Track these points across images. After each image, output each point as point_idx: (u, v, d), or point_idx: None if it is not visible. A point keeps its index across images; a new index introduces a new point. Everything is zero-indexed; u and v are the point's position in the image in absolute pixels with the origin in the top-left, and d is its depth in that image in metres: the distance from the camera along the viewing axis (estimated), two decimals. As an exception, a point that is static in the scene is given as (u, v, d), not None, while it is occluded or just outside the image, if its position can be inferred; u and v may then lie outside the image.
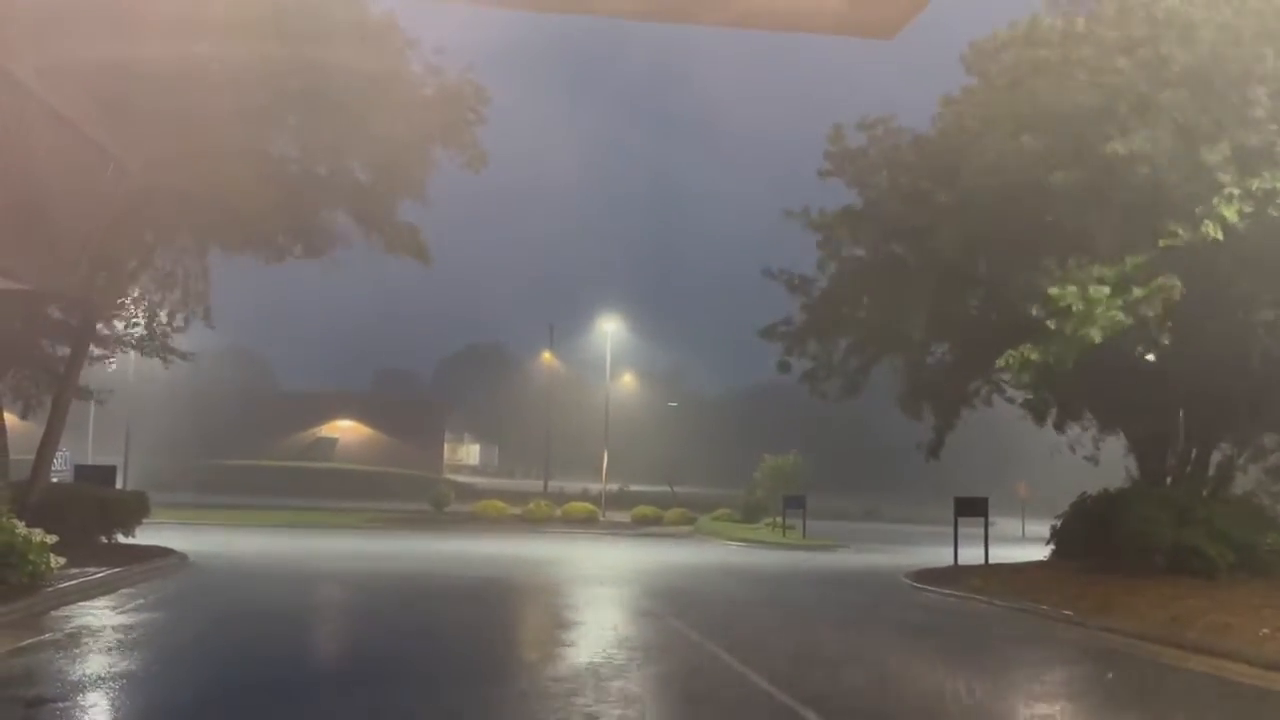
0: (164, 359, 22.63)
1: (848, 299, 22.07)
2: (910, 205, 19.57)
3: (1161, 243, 15.11)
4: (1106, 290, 15.18)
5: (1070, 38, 16.70)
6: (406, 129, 18.85)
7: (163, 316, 21.99)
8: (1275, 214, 14.37)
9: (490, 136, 20.43)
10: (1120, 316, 15.01)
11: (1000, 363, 16.49)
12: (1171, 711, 10.19)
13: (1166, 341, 15.71)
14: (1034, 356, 15.95)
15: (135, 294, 21.99)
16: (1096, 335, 15.17)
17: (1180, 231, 14.87)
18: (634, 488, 55.28)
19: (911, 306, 19.30)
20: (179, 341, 22.76)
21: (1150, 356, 17.46)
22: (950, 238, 18.30)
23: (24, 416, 20.93)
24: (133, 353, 22.75)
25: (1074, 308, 15.20)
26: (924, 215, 18.99)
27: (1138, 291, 15.11)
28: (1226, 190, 14.53)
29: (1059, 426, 22.15)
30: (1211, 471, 20.69)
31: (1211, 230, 14.47)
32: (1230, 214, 14.44)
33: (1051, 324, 15.50)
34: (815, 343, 22.92)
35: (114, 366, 24.11)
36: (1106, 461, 23.26)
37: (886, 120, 21.27)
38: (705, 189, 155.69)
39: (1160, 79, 15.42)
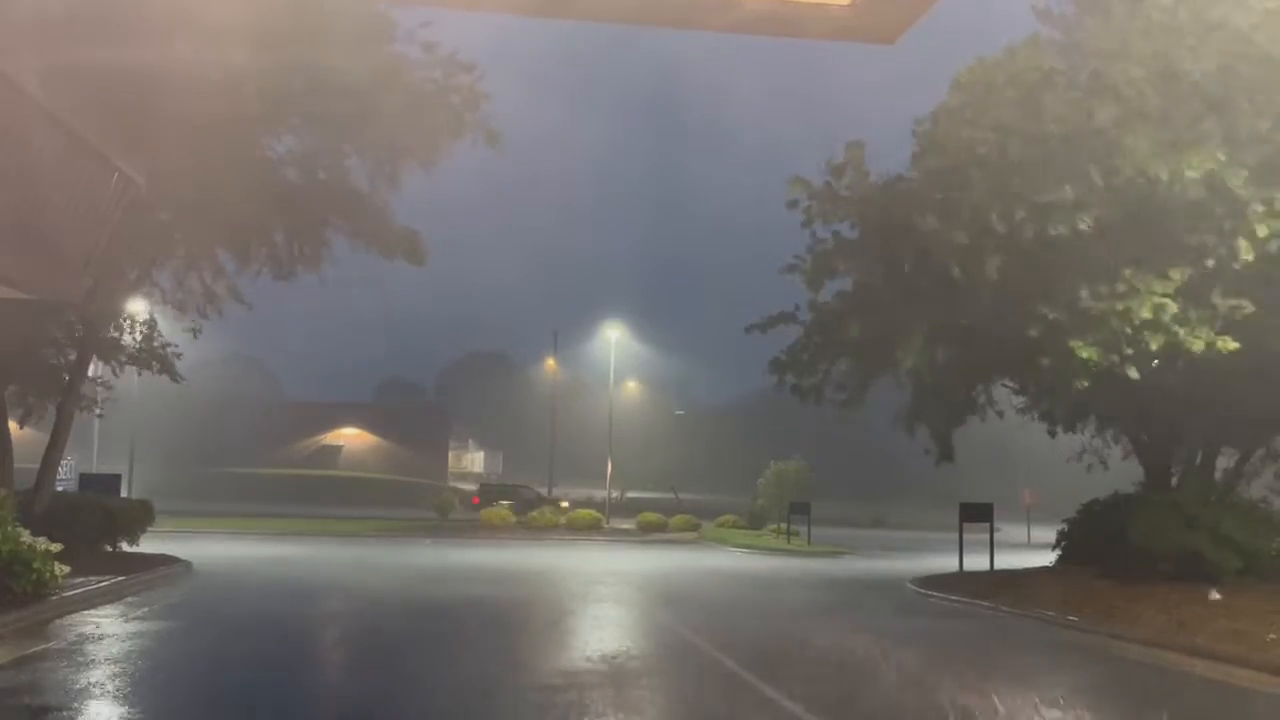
0: (171, 375, 22.36)
1: (841, 325, 21.78)
2: (909, 234, 19.30)
3: (1209, 262, 15.32)
4: (1174, 306, 15.36)
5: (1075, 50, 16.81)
6: (412, 114, 18.85)
7: (161, 330, 21.89)
8: None
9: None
10: (1216, 341, 15.25)
11: (1083, 354, 16.17)
12: (1177, 718, 10.13)
13: (1232, 346, 15.53)
14: (1090, 355, 15.92)
15: (143, 304, 22.08)
16: (1156, 343, 15.42)
17: (1221, 251, 15.09)
18: (636, 494, 55.16)
19: (910, 326, 19.06)
20: (186, 343, 22.60)
21: (1155, 362, 17.40)
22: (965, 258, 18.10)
23: (22, 425, 20.88)
24: (136, 364, 22.37)
25: (1144, 316, 15.39)
26: (930, 241, 18.77)
27: (1193, 313, 15.29)
28: (1253, 207, 14.64)
29: (1069, 429, 22.08)
30: (1218, 476, 20.62)
31: (1245, 251, 14.64)
32: (1262, 231, 14.56)
33: (1147, 335, 15.53)
34: (814, 365, 22.70)
35: (109, 393, 23.80)
36: (1113, 467, 23.22)
37: (853, 160, 20.65)
38: (711, 195, 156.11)
39: (1175, 93, 15.50)
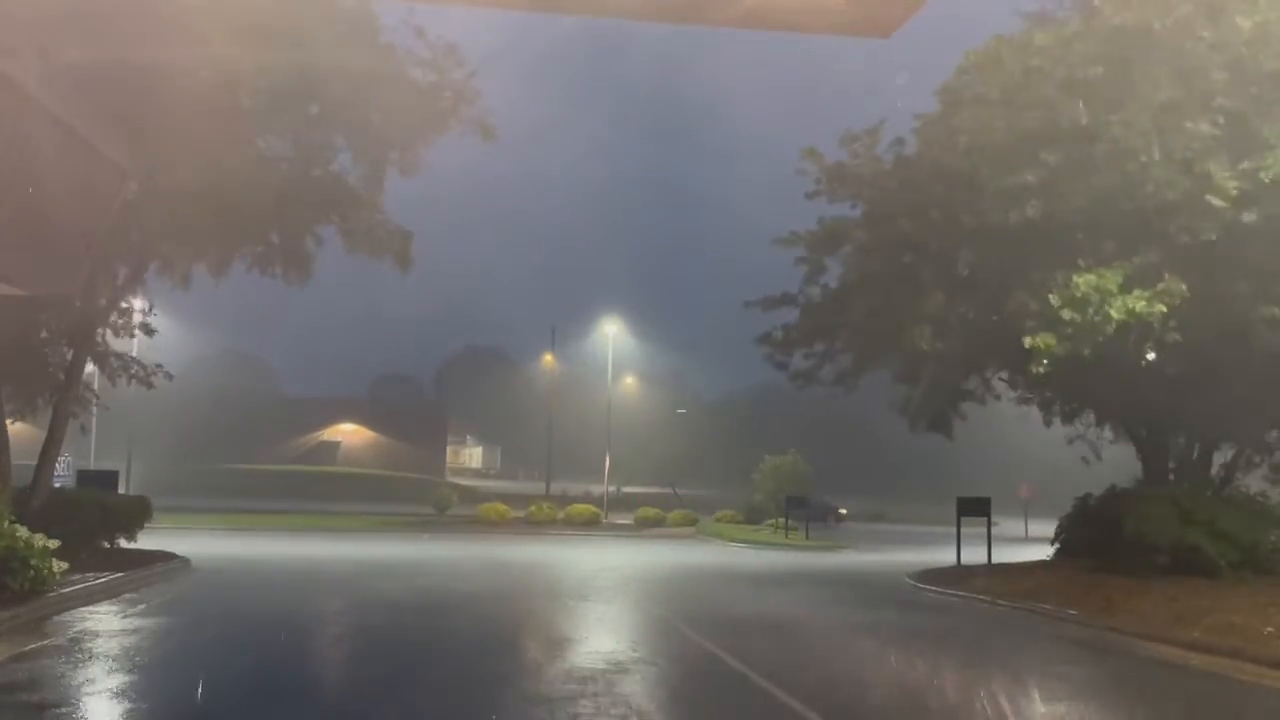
0: (149, 375, 22.04)
1: (839, 308, 21.88)
2: (907, 221, 19.40)
3: (1182, 239, 15.19)
4: (1119, 279, 15.34)
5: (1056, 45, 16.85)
6: (405, 107, 18.83)
7: (144, 315, 21.75)
8: (1266, 180, 14.45)
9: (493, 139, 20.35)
10: (1136, 305, 15.17)
11: (1027, 343, 16.41)
12: (1175, 711, 10.17)
13: (1175, 339, 15.68)
14: (1053, 344, 15.97)
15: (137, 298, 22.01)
16: (1109, 325, 15.33)
17: (1193, 226, 14.97)
18: (634, 489, 55.28)
19: (911, 312, 19.19)
20: (182, 336, 22.44)
21: (1151, 355, 17.42)
22: (950, 250, 18.24)
23: (20, 419, 20.82)
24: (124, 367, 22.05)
25: (1089, 296, 15.35)
26: (929, 231, 18.85)
27: (1141, 293, 15.21)
28: (1223, 173, 14.71)
29: (1067, 421, 22.13)
30: (1215, 470, 20.65)
31: (1219, 201, 14.57)
32: (1230, 187, 14.55)
33: (1066, 313, 15.52)
34: (809, 348, 22.78)
35: (99, 401, 23.66)
36: (1110, 461, 23.22)
37: (870, 134, 20.92)
38: (707, 190, 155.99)
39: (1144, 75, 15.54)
